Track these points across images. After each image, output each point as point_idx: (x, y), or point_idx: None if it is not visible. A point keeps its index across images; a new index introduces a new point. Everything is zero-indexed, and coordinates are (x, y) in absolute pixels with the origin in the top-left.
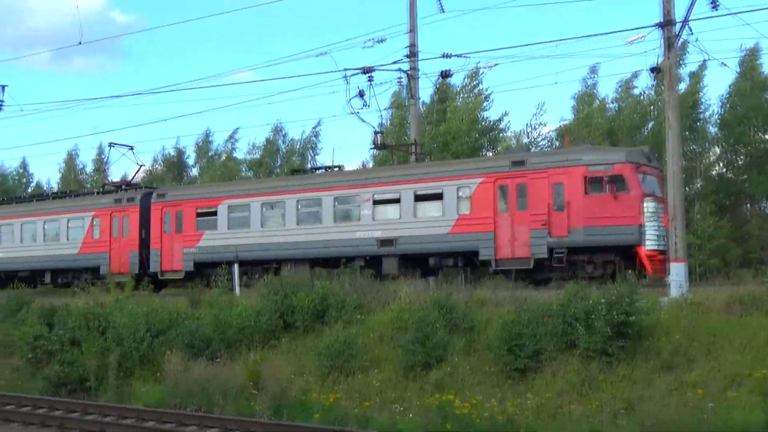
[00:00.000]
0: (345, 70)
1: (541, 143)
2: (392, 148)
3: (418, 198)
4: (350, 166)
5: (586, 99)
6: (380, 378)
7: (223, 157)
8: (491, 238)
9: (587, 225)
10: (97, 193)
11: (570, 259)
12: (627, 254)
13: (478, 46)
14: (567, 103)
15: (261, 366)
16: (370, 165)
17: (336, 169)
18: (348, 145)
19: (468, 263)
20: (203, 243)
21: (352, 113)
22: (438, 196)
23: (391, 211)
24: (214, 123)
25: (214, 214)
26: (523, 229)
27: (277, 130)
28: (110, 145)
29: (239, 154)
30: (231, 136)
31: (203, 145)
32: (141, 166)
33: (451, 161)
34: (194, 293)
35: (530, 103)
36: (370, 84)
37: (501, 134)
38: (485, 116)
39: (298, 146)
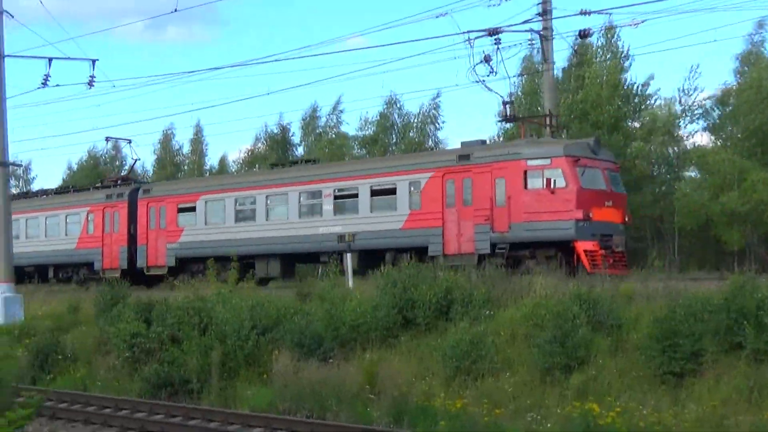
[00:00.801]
0: (468, 32)
1: (697, 111)
2: (523, 120)
3: (375, 193)
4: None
5: (752, 59)
6: (513, 382)
7: (332, 134)
8: (439, 233)
9: (527, 220)
10: (93, 188)
11: (512, 255)
12: (567, 249)
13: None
14: (727, 65)
15: (378, 367)
16: (486, 140)
17: (311, 163)
18: (472, 118)
19: (421, 259)
20: (184, 238)
21: (477, 81)
22: (392, 191)
23: (350, 207)
24: (322, 96)
25: (194, 210)
26: (468, 225)
27: (392, 102)
28: (107, 139)
29: (349, 129)
30: (335, 107)
31: (310, 121)
32: (136, 160)
33: (404, 155)
34: (303, 285)
35: (681, 67)
36: (497, 48)
37: (648, 101)
38: (629, 80)
39: (415, 120)
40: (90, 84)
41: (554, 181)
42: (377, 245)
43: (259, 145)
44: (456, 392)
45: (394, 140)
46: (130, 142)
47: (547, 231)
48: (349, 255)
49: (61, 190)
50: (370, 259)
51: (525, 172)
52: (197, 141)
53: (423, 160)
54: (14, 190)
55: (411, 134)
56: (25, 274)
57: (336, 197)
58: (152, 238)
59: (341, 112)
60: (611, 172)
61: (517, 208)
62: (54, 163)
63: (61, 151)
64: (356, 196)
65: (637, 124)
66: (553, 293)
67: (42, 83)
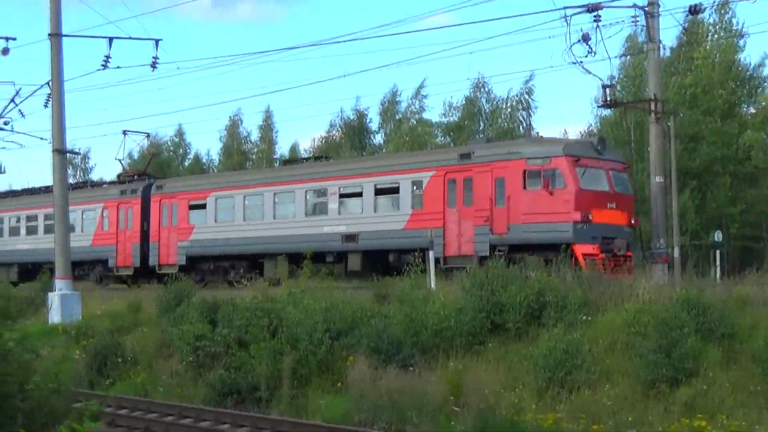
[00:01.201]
0: (565, 8)
1: None
2: (626, 105)
3: (379, 192)
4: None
5: None
6: (613, 395)
7: (413, 121)
8: (440, 234)
9: (525, 221)
10: (109, 184)
11: (512, 257)
12: (567, 252)
13: None
14: None
15: (463, 377)
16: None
17: (324, 159)
18: (569, 104)
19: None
20: (195, 236)
21: (574, 63)
22: (395, 190)
23: (354, 206)
24: (402, 79)
25: (204, 207)
26: (468, 225)
27: (479, 86)
28: (124, 132)
29: (432, 116)
30: (418, 92)
31: (389, 106)
32: (153, 155)
33: (407, 153)
34: (380, 286)
35: None
36: (597, 26)
37: (765, 85)
38: (744, 61)
39: (505, 106)
40: (153, 66)
41: (553, 181)
42: (380, 246)
43: (334, 132)
44: (548, 405)
45: (481, 127)
46: (147, 135)
47: (545, 233)
48: (431, 252)
49: (78, 185)
50: (375, 260)
51: (524, 172)
52: (267, 128)
53: (425, 158)
54: (71, 180)
55: (500, 121)
56: (45, 271)
57: (341, 196)
58: (164, 236)
59: (424, 97)
60: (616, 172)
61: (516, 209)
62: (114, 150)
63: (122, 138)
64: (360, 195)
65: (753, 110)
66: (657, 297)
67: (102, 65)
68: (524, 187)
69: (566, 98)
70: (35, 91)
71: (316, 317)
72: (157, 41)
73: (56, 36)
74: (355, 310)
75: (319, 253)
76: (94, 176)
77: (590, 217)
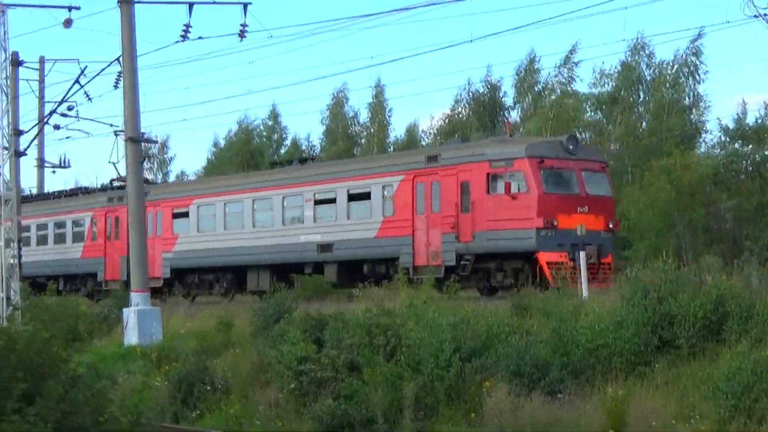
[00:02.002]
0: None
1: None
2: None
3: (352, 198)
4: (752, 99)
5: None
6: None
7: (558, 92)
8: (410, 242)
9: (489, 228)
10: (99, 190)
11: (479, 267)
12: (534, 261)
13: None
14: None
15: (625, 405)
16: None
17: (316, 161)
18: (749, 68)
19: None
20: (178, 247)
21: (756, 17)
22: (367, 196)
23: (329, 213)
24: (541, 43)
25: (187, 215)
26: (436, 233)
27: (637, 48)
28: (116, 133)
29: (579, 87)
30: (567, 58)
31: (525, 76)
32: (144, 158)
33: (379, 156)
34: (520, 296)
35: None
36: None
37: None
38: None
39: (669, 71)
40: (241, 35)
41: (515, 185)
42: (353, 255)
43: (460, 109)
44: None
45: (641, 98)
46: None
47: (509, 241)
48: (582, 253)
49: (71, 192)
50: (351, 270)
51: (488, 175)
52: (377, 106)
53: (395, 161)
54: (148, 175)
55: (663, 90)
56: (38, 286)
57: (316, 202)
58: (150, 247)
59: (575, 64)
60: (591, 173)
61: (480, 215)
62: (197, 138)
63: (206, 122)
64: (334, 201)
65: None
66: None
67: (181, 36)
68: (488, 192)
69: (746, 60)
70: (103, 69)
71: (443, 334)
72: (245, 5)
73: (127, 3)
74: (490, 325)
75: (299, 264)
76: (174, 169)
77: (555, 223)
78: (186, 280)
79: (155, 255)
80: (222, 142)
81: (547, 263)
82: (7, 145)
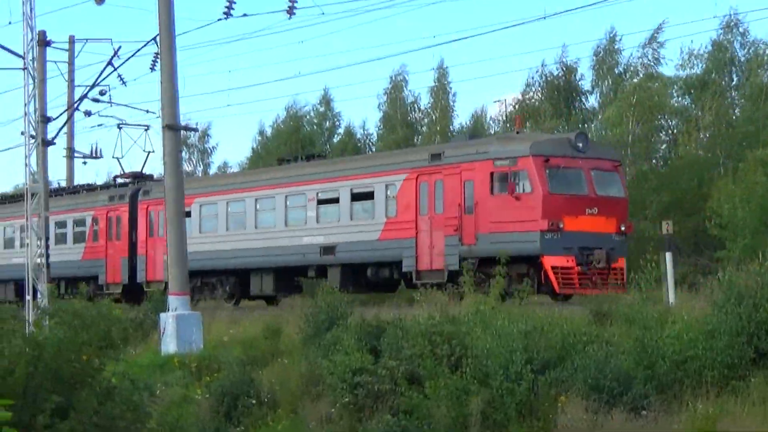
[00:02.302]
0: None
1: None
2: None
3: (355, 197)
4: None
5: None
6: None
7: (641, 75)
8: (413, 245)
9: (493, 231)
10: (101, 188)
11: (484, 271)
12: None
13: None
14: None
15: (718, 424)
16: None
17: (323, 158)
18: None
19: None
20: None
21: None
22: (370, 196)
23: (332, 213)
24: (622, 20)
25: (189, 215)
26: (439, 235)
27: (731, 25)
28: (119, 126)
29: (667, 70)
30: (653, 38)
31: (605, 57)
32: (150, 152)
33: (381, 153)
34: (598, 300)
35: None
36: None
37: None
38: None
39: (766, 52)
40: (290, 12)
41: (519, 185)
42: (357, 258)
43: (532, 94)
44: None
45: (734, 81)
46: (147, 129)
47: (513, 244)
48: (669, 255)
49: (73, 190)
50: (355, 274)
51: (492, 174)
52: (440, 90)
53: (397, 159)
54: (187, 167)
55: (759, 72)
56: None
57: (319, 202)
58: (151, 248)
59: (660, 44)
60: (602, 172)
61: (484, 216)
62: (241, 125)
63: (251, 108)
64: (337, 201)
65: None
66: None
67: (224, 13)
68: (491, 192)
69: None
70: (139, 50)
71: (514, 344)
72: None
73: None
74: (565, 334)
75: (302, 268)
76: (216, 160)
77: (561, 225)
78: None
79: (156, 257)
80: (269, 131)
81: (552, 268)
82: (33, 133)
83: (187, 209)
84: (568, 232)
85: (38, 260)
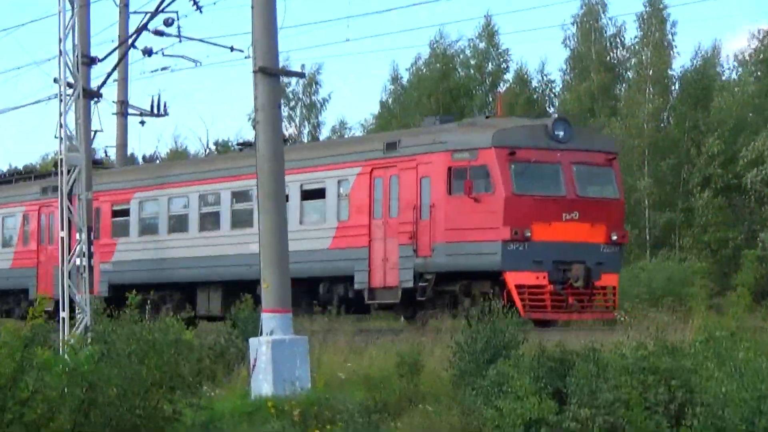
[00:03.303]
0: None
1: None
2: None
3: (306, 195)
4: None
5: None
6: None
7: None
8: (365, 256)
9: (450, 240)
10: (36, 177)
11: (442, 290)
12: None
13: None
14: None
15: None
16: None
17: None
18: None
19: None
20: (118, 256)
21: None
22: (322, 193)
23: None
24: None
25: (128, 213)
26: (393, 245)
27: None
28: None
29: None
30: None
31: None
32: (96, 132)
33: (334, 141)
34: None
35: None
36: None
37: None
38: None
39: None
40: None
41: (478, 183)
42: (307, 271)
43: None
44: None
45: None
46: (98, 100)
47: (471, 256)
48: None
49: (10, 177)
50: (309, 291)
51: (449, 170)
52: (653, 18)
53: (351, 149)
54: (287, 127)
55: None
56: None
57: None
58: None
59: None
60: (589, 167)
61: (440, 222)
62: (365, 69)
63: (379, 45)
64: (287, 199)
65: None
66: None
67: None
68: (449, 192)
69: None
70: None
71: (763, 386)
72: None
73: None
74: None
75: (251, 282)
76: (329, 118)
77: (528, 234)
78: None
79: (95, 266)
80: (405, 76)
81: (517, 287)
82: (71, 80)
83: (125, 206)
84: (537, 242)
85: (77, 261)
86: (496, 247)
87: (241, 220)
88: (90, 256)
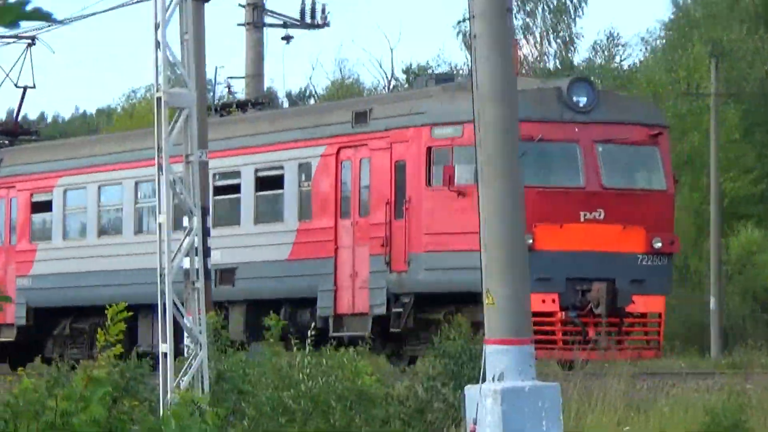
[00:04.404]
0: None
1: None
2: None
3: (262, 184)
4: None
5: None
6: None
7: None
8: (330, 271)
9: (429, 249)
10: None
11: (424, 318)
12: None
13: None
14: None
15: None
16: None
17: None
18: None
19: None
20: (37, 267)
21: None
22: (280, 182)
23: (231, 213)
24: None
25: (50, 206)
26: (363, 255)
27: None
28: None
29: None
30: None
31: None
32: (26, 88)
33: (294, 109)
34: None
35: None
36: None
37: None
38: None
39: None
40: None
41: (462, 169)
42: (263, 291)
43: None
44: None
45: None
46: (31, 43)
47: (455, 272)
48: None
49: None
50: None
51: (429, 151)
52: None
53: (314, 121)
54: (523, 46)
55: None
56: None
57: (217, 190)
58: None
59: None
60: (622, 147)
61: (416, 223)
62: None
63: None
64: (239, 189)
65: None
66: None
67: None
68: (428, 182)
69: None
70: None
71: None
72: None
73: None
74: None
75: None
76: (591, 23)
77: (529, 241)
78: (53, 330)
79: (8, 281)
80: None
81: None
82: None
83: (47, 196)
84: (543, 252)
85: (185, 261)
86: (477, 259)
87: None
88: (205, 252)
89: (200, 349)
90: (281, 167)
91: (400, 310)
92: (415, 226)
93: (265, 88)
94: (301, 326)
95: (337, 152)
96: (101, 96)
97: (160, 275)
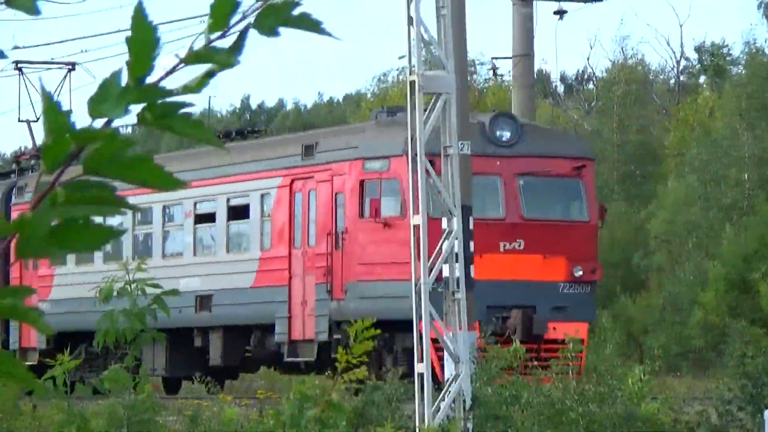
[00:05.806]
0: None
1: None
2: None
3: (233, 214)
4: None
5: None
6: None
7: None
8: (285, 298)
9: (362, 278)
10: None
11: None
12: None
13: None
14: None
15: None
16: None
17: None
18: None
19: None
20: (56, 291)
21: None
22: (246, 212)
23: (208, 240)
24: None
25: None
26: (310, 284)
27: None
28: (18, 67)
29: None
30: None
31: None
32: (30, 122)
33: (258, 143)
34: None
35: None
36: None
37: None
38: None
39: None
40: None
41: (388, 202)
42: (233, 317)
43: None
44: None
45: None
46: (71, 68)
47: (383, 300)
48: None
49: None
50: (244, 344)
51: (362, 184)
52: None
53: (271, 153)
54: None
55: None
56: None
57: (198, 218)
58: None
59: None
60: (544, 180)
61: (351, 253)
62: None
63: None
64: (213, 218)
65: None
66: None
67: None
68: (361, 213)
69: None
70: None
71: None
72: None
73: None
74: None
75: (185, 331)
76: None
77: None
78: (77, 354)
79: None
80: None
81: (433, 341)
82: None
83: None
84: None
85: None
86: (408, 289)
87: (173, 242)
88: (469, 259)
89: (461, 370)
90: (248, 197)
91: (339, 336)
92: (350, 256)
93: (536, 70)
94: (270, 352)
95: (291, 183)
96: (349, 81)
97: (415, 285)
